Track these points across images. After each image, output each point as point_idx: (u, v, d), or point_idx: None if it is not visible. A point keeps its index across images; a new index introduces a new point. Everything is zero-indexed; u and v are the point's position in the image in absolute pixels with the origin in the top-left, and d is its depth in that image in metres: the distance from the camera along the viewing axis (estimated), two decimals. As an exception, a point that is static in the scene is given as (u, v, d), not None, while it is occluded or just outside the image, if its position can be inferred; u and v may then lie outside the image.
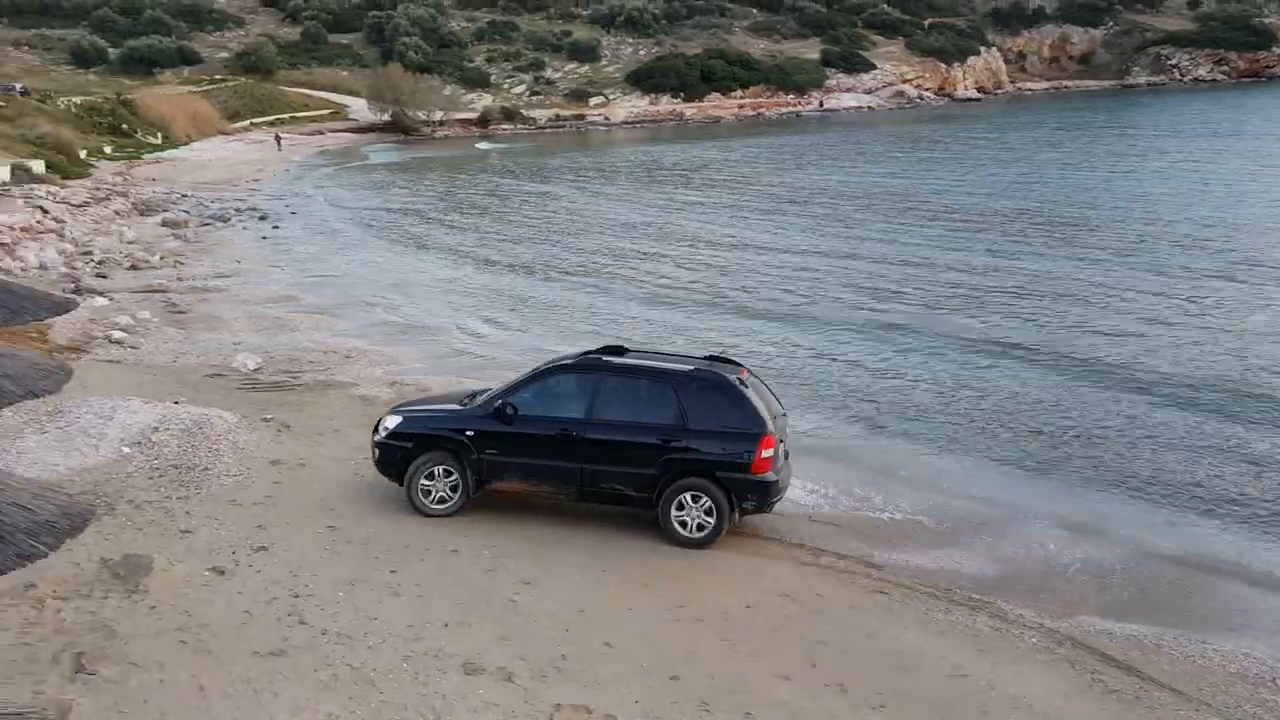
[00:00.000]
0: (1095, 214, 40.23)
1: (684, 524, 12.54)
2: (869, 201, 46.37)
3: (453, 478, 12.94)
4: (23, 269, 27.69)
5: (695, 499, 12.51)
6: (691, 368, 13.15)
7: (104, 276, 29.00)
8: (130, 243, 35.53)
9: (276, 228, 41.76)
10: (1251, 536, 13.52)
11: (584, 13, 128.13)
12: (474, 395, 13.89)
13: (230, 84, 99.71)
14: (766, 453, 12.46)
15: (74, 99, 75.19)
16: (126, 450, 14.49)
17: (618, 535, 12.74)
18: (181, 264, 32.16)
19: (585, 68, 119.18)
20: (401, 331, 24.59)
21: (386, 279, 31.54)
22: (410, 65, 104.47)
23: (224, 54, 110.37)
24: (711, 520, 12.48)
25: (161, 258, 32.78)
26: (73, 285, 26.17)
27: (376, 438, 13.40)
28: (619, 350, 13.72)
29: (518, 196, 53.58)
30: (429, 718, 8.61)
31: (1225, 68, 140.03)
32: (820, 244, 35.71)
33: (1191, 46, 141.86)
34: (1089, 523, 13.94)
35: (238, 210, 46.54)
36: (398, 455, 13.11)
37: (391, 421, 13.33)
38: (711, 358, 13.89)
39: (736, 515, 12.76)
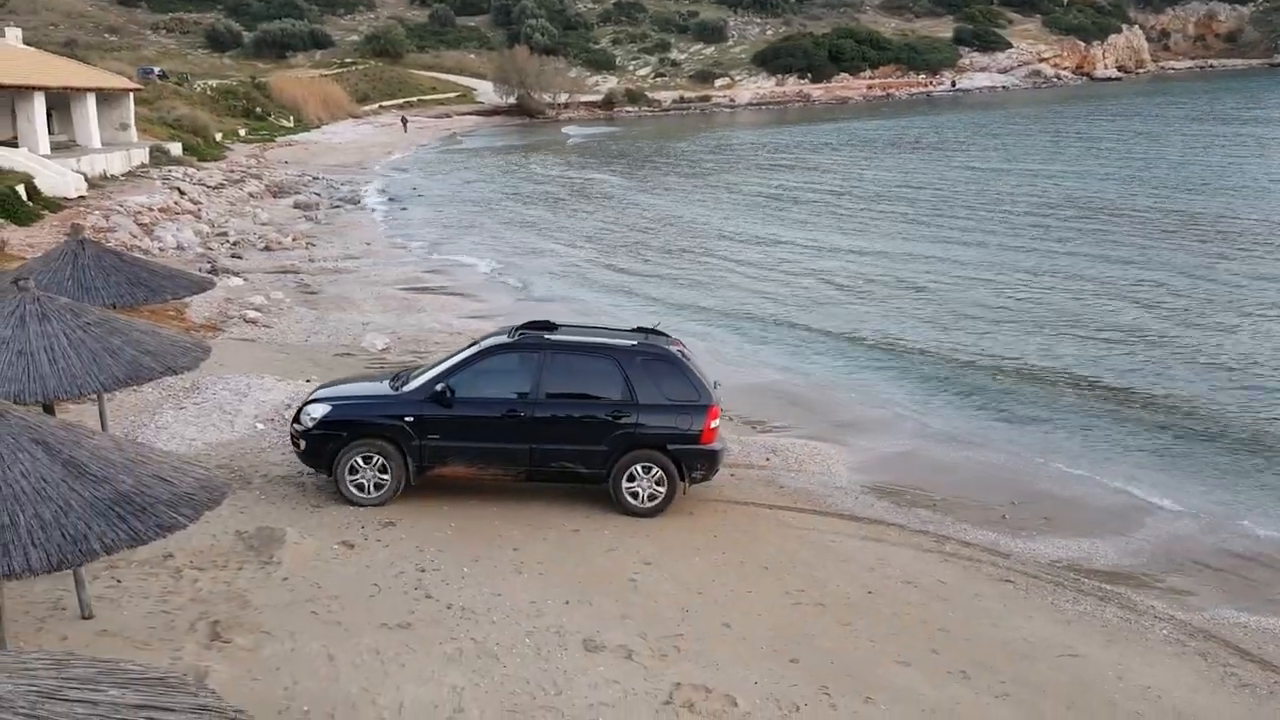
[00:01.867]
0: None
1: (635, 495, 12.72)
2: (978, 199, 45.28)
3: (381, 465, 12.48)
4: (160, 249, 28.78)
5: (646, 470, 12.70)
6: (634, 342, 13.28)
7: (239, 257, 29.93)
8: (264, 224, 36.58)
9: (404, 210, 42.61)
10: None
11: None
12: (400, 375, 13.65)
13: (360, 67, 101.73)
14: (714, 423, 12.83)
15: (209, 82, 77.42)
16: (260, 426, 15.00)
17: (737, 518, 12.75)
18: (313, 245, 33.00)
19: (711, 49, 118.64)
20: (527, 314, 24.80)
21: (511, 261, 31.96)
22: (536, 47, 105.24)
23: (354, 37, 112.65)
24: (663, 490, 12.72)
25: (294, 239, 33.67)
26: (209, 265, 27.05)
27: (299, 427, 12.79)
28: (549, 325, 13.57)
29: (643, 177, 53.71)
30: (550, 692, 8.76)
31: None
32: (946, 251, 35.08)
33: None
34: (1223, 514, 13.66)
35: (367, 192, 47.59)
36: (328, 445, 12.54)
37: (318, 410, 12.73)
38: (640, 329, 14.02)
39: (686, 485, 12.91)
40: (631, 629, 9.90)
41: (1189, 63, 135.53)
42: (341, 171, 55.37)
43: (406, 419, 12.59)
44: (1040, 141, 63.04)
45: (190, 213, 35.69)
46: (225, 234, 33.46)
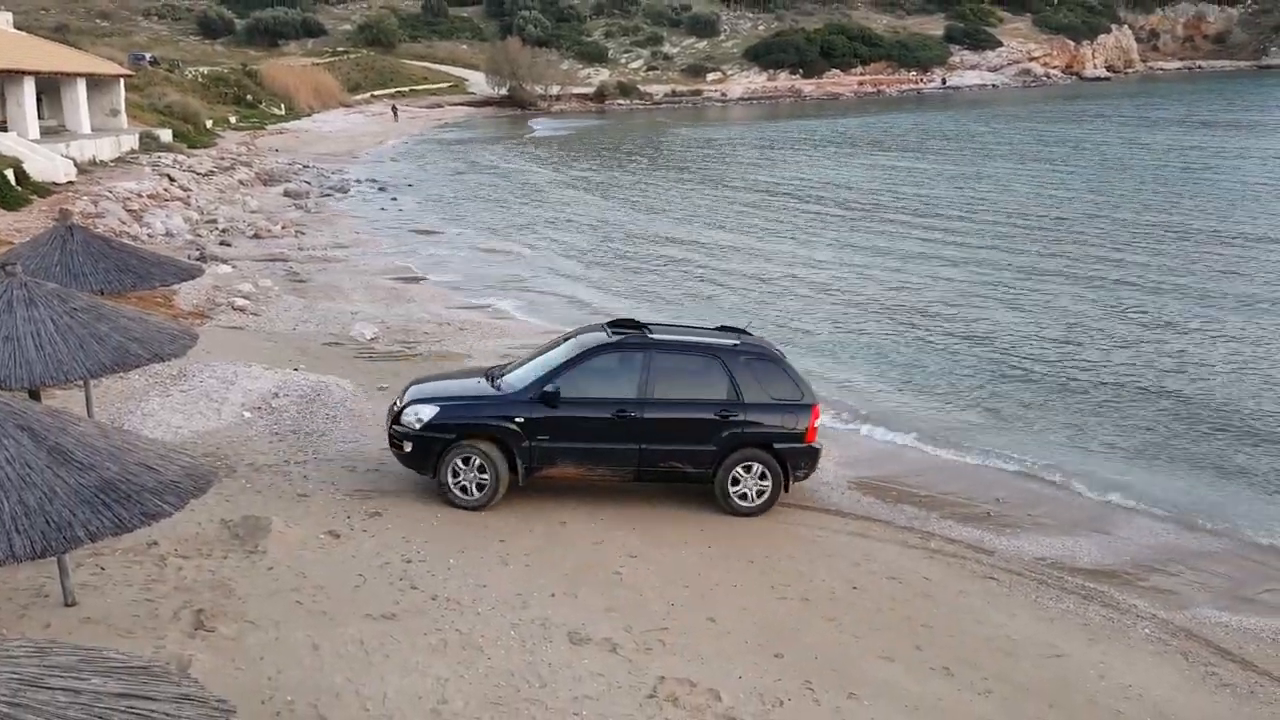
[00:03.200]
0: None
1: (743, 496, 12.76)
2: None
3: (481, 466, 12.30)
4: (149, 235, 28.65)
5: (748, 469, 12.73)
6: (736, 341, 13.31)
7: (228, 244, 29.85)
8: (253, 212, 36.46)
9: (394, 199, 42.50)
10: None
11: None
12: (491, 373, 13.56)
13: (352, 56, 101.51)
14: (816, 422, 13.02)
15: (201, 69, 77.27)
16: (247, 415, 14.95)
17: (723, 512, 12.73)
18: (302, 234, 32.92)
19: (703, 43, 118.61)
20: (516, 304, 24.87)
21: (500, 252, 31.90)
22: (529, 39, 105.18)
23: (346, 26, 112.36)
24: (768, 489, 12.75)
25: (283, 227, 33.56)
26: (198, 252, 26.94)
27: (401, 429, 12.57)
28: (635, 324, 13.67)
29: (629, 171, 53.70)
30: (535, 685, 8.75)
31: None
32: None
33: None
34: (1206, 514, 13.74)
35: (357, 181, 47.45)
36: (435, 447, 12.35)
37: (426, 411, 12.50)
38: (724, 328, 14.14)
39: (788, 484, 12.93)
40: (617, 622, 9.90)
41: (1177, 64, 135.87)
42: (332, 160, 55.21)
43: (516, 420, 12.40)
44: (1023, 143, 62.97)
45: (179, 199, 35.56)
46: (214, 221, 33.34)
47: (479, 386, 13.20)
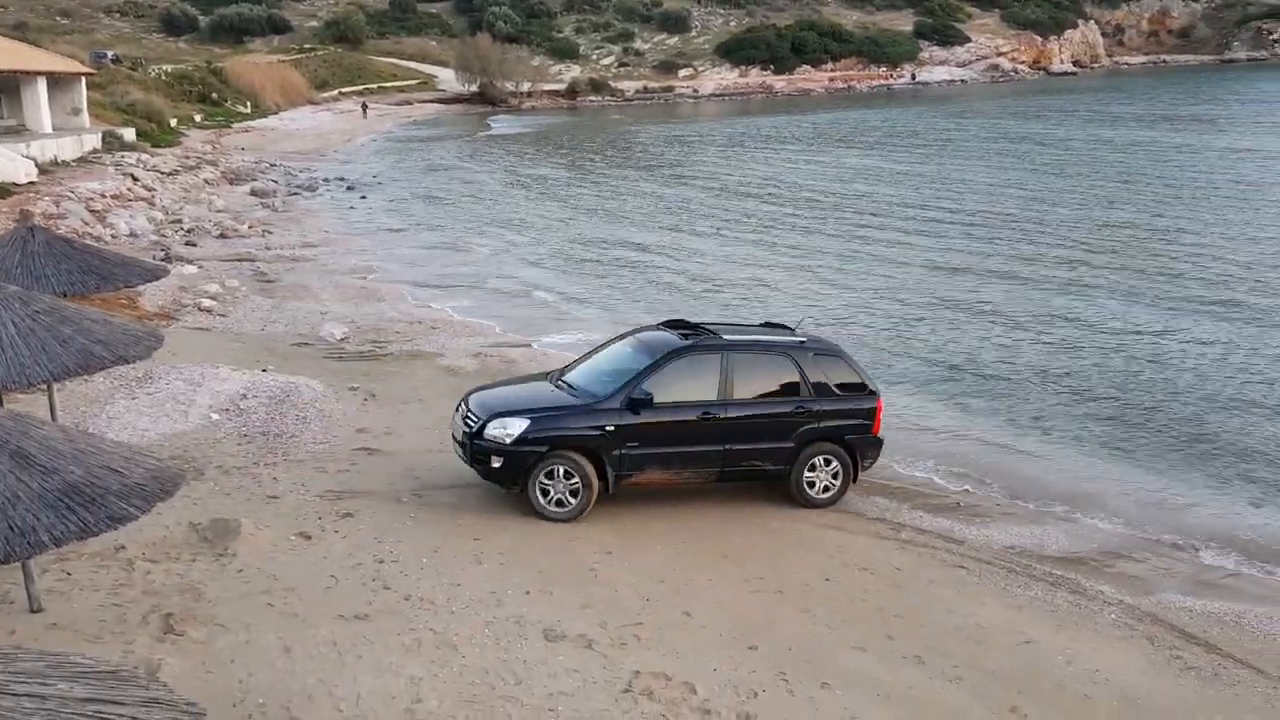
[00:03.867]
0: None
1: (812, 485, 13.03)
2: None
3: (574, 480, 12.13)
4: (113, 236, 28.46)
5: (825, 463, 13.02)
6: (803, 338, 13.63)
7: (193, 244, 29.67)
8: (219, 211, 36.25)
9: (364, 198, 42.29)
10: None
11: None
12: (551, 376, 13.54)
13: (319, 53, 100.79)
14: (881, 414, 13.36)
15: (164, 67, 76.46)
16: (215, 417, 14.88)
17: (698, 506, 12.78)
18: (270, 233, 32.75)
19: (674, 39, 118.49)
20: (487, 301, 24.84)
21: (473, 249, 31.86)
22: (499, 35, 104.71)
23: (313, 22, 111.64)
24: (838, 481, 13.10)
25: (250, 227, 33.39)
26: (163, 253, 26.78)
27: (487, 444, 12.18)
28: (687, 324, 13.80)
29: (599, 168, 53.72)
30: (510, 682, 8.76)
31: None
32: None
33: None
34: (1170, 500, 13.94)
35: (326, 180, 47.19)
36: (529, 461, 12.07)
37: (515, 425, 12.14)
38: (768, 324, 14.46)
39: (856, 475, 13.25)
40: (592, 618, 9.92)
41: (1142, 58, 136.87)
42: (300, 158, 54.93)
43: (607, 428, 12.26)
44: (989, 140, 63.12)
45: (144, 199, 35.32)
46: (180, 221, 33.15)
47: (557, 395, 12.89)
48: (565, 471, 12.12)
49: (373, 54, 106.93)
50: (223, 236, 31.51)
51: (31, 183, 33.35)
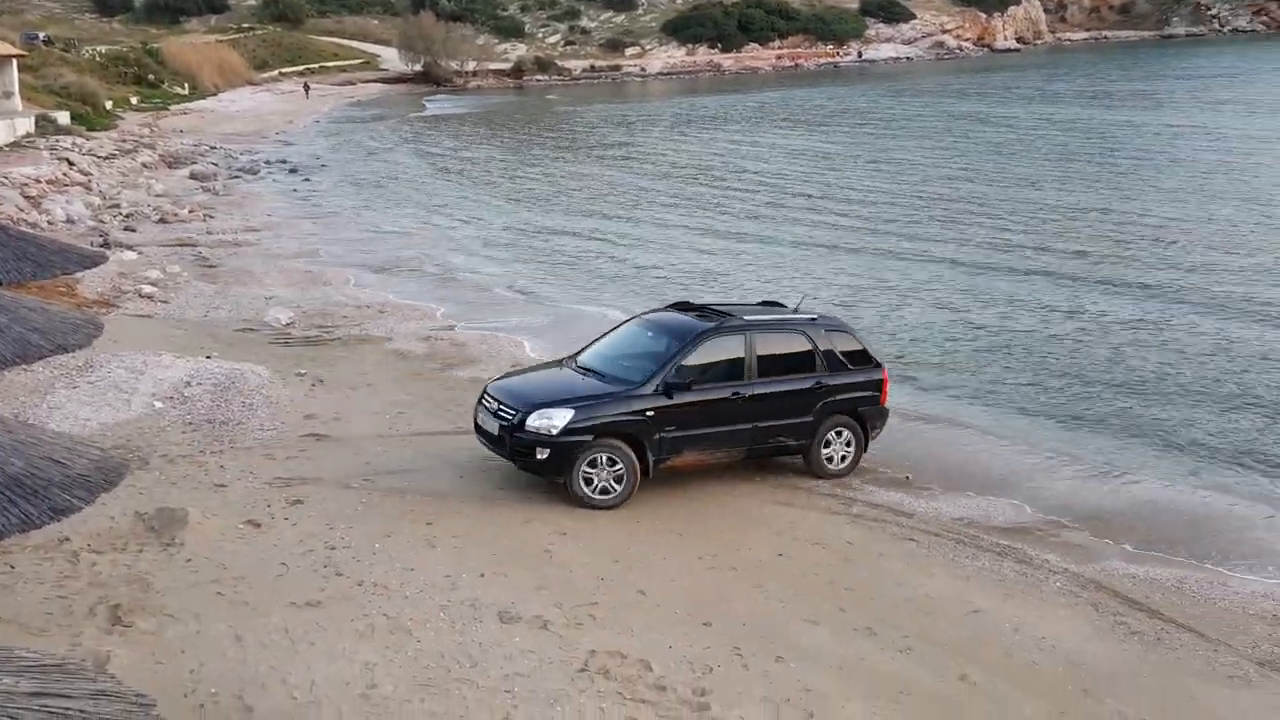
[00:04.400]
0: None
1: (830, 459, 13.48)
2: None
3: (617, 466, 12.14)
4: (49, 222, 27.97)
5: (839, 434, 13.46)
6: (813, 314, 14.17)
7: (132, 230, 29.26)
8: (158, 196, 35.73)
9: (307, 180, 41.86)
10: (1273, 483, 13.72)
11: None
12: (565, 362, 13.58)
13: (258, 32, 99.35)
14: (887, 385, 13.88)
15: (98, 48, 75.08)
16: (159, 405, 14.73)
17: (651, 487, 12.78)
18: (211, 217, 32.37)
19: (621, 17, 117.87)
20: (434, 285, 24.70)
21: (418, 233, 31.68)
22: (443, 13, 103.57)
23: (251, 1, 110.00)
24: (852, 451, 13.60)
25: (190, 211, 32.96)
26: (101, 239, 26.39)
27: (536, 435, 12.04)
28: (694, 306, 14.01)
29: (541, 151, 53.54)
30: (465, 665, 8.78)
31: (1265, 18, 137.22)
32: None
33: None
34: (1116, 470, 14.19)
35: (267, 163, 46.63)
36: (576, 451, 12.01)
37: (559, 416, 12.05)
38: (765, 303, 14.73)
39: (867, 444, 13.74)
40: (547, 599, 9.95)
41: (1084, 34, 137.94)
42: (240, 141, 54.23)
43: (648, 413, 12.31)
44: (931, 120, 63.52)
45: (80, 184, 34.73)
46: (118, 206, 32.64)
47: (590, 382, 12.78)
48: (609, 459, 12.14)
49: (313, 33, 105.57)
50: (163, 221, 31.08)
51: (-37, 169, 32.73)
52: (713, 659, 9.11)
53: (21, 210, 28.08)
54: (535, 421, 12.05)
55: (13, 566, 10.04)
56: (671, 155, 48.79)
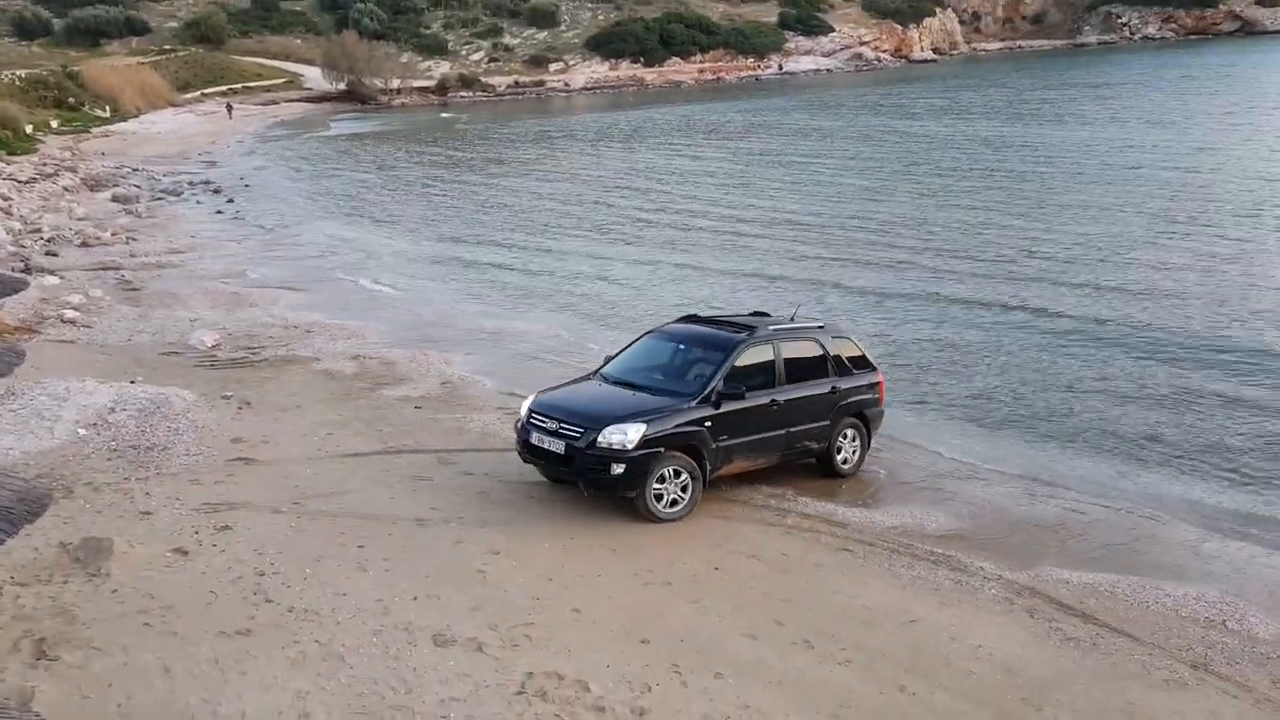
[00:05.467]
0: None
1: (845, 460, 14.00)
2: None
3: (682, 478, 12.22)
4: (-31, 248, 27.33)
5: (847, 436, 13.94)
6: (821, 322, 14.73)
7: (54, 254, 28.62)
8: (80, 219, 35.06)
9: (231, 201, 41.29)
10: (1201, 488, 13.93)
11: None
12: (595, 377, 13.48)
13: (180, 54, 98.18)
14: (884, 388, 14.49)
15: (17, 72, 73.71)
16: (83, 432, 14.36)
17: (584, 504, 12.69)
18: (134, 240, 31.81)
19: (544, 33, 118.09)
20: (361, 305, 24.42)
21: (344, 253, 31.34)
22: (365, 33, 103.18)
23: (173, 23, 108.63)
24: (857, 450, 14.10)
25: (113, 234, 32.35)
26: (22, 264, 25.82)
27: (612, 451, 11.89)
28: (702, 318, 14.24)
29: (467, 168, 53.32)
30: (400, 691, 8.60)
31: (1174, 25, 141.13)
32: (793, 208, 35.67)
33: (1141, 5, 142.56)
34: (1046, 478, 14.32)
35: (191, 184, 45.96)
36: (650, 464, 11.94)
37: (633, 430, 11.90)
38: (756, 313, 14.94)
39: (869, 443, 14.29)
40: (481, 621, 9.80)
41: (999, 44, 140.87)
42: (163, 162, 53.43)
43: (706, 424, 12.36)
44: (835, 131, 64.38)
45: (0, 209, 33.93)
46: (39, 231, 31.92)
47: (642, 397, 12.60)
48: (675, 470, 12.20)
49: (236, 54, 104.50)
50: (85, 245, 30.47)
51: (-124, 195, 31.85)
52: (651, 677, 9.01)
53: (-62, 236, 27.37)
54: (609, 437, 11.91)
55: (-69, 602, 9.70)
56: (586, 172, 48.73)
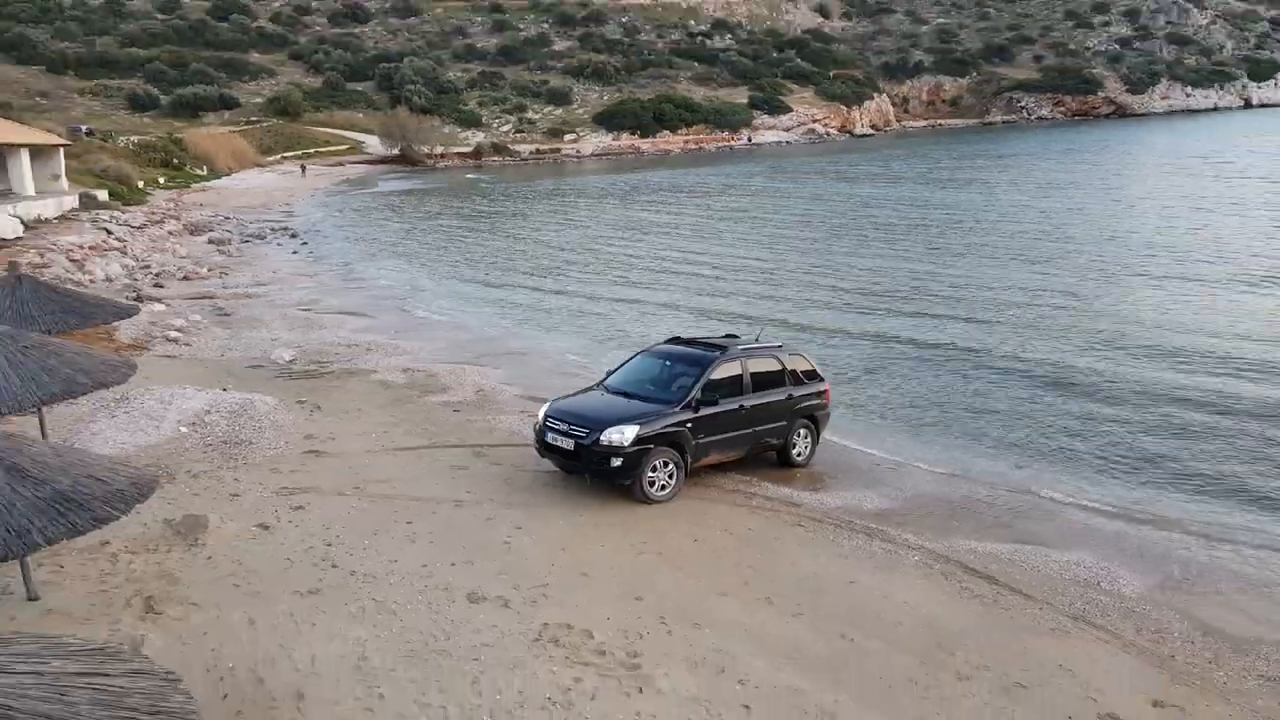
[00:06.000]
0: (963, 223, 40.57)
1: (799, 454, 14.01)
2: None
3: (669, 467, 12.31)
4: (91, 280, 27.27)
5: (800, 434, 13.98)
6: (780, 343, 14.65)
7: (160, 286, 28.58)
8: (182, 258, 34.97)
9: (305, 244, 41.18)
10: (1082, 476, 14.02)
11: (558, 65, 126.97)
12: (594, 388, 13.56)
13: (264, 124, 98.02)
14: (830, 394, 14.57)
15: (132, 138, 73.56)
16: (184, 430, 14.37)
17: (589, 492, 12.71)
18: (226, 274, 31.73)
19: (560, 110, 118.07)
20: (410, 329, 24.39)
21: (399, 285, 31.30)
22: (415, 108, 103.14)
23: (258, 99, 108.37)
24: (809, 445, 14.15)
25: (209, 270, 32.28)
26: (134, 294, 25.79)
27: (611, 447, 11.97)
28: (684, 340, 14.15)
29: (495, 220, 53.34)
30: (441, 638, 8.63)
31: (1062, 109, 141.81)
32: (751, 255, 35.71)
33: (1036, 91, 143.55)
34: (958, 469, 14.38)
35: (272, 230, 45.79)
36: (643, 458, 12.07)
37: (629, 430, 12.01)
38: (728, 336, 14.83)
39: (818, 439, 14.30)
40: (506, 583, 9.83)
41: (923, 122, 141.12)
42: (249, 212, 53.30)
43: (688, 424, 12.45)
44: (789, 199, 64.44)
45: (117, 249, 33.83)
46: (148, 267, 31.85)
47: (634, 403, 12.64)
48: (664, 462, 12.30)
49: (310, 124, 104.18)
50: (186, 279, 30.41)
51: (18, 238, 31.75)
52: (643, 628, 9.05)
53: (68, 271, 27.32)
54: (610, 436, 12.05)
55: (62, 566, 9.71)
56: (590, 225, 48.73)
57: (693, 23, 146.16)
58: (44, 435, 11.92)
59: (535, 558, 10.54)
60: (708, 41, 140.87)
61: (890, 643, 9.15)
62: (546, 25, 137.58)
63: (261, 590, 9.45)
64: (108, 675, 4.78)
